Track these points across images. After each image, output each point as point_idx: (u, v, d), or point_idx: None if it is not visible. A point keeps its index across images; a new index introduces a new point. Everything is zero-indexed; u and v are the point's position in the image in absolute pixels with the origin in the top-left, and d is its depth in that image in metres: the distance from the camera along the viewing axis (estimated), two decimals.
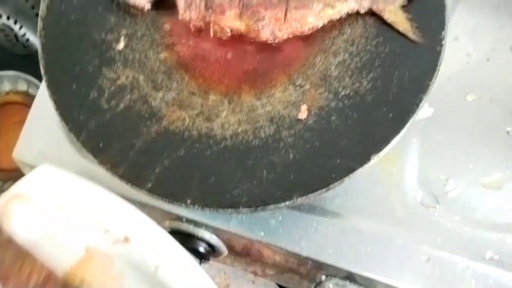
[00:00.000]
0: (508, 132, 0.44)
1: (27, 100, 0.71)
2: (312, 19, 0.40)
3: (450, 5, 0.47)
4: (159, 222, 0.41)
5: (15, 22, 0.66)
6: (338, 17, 0.41)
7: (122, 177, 0.39)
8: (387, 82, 0.39)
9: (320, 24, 0.41)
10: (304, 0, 0.40)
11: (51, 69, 0.42)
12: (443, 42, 0.38)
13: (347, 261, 0.42)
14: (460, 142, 0.44)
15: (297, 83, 0.41)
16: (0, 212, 0.39)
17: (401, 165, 0.44)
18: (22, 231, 0.40)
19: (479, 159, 0.44)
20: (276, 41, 0.41)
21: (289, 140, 0.39)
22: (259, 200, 0.37)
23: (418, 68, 0.38)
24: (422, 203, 0.43)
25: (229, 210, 0.37)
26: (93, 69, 0.42)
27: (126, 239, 0.40)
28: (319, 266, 0.43)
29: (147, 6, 0.43)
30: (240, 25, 0.41)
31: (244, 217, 0.44)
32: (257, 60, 0.42)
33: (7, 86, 0.72)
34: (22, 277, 0.37)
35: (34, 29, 0.70)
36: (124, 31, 0.43)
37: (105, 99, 0.41)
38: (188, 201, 0.37)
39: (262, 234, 0.43)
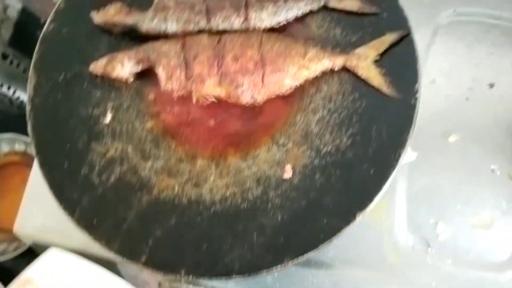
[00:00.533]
0: (493, 170, 0.45)
1: (26, 159, 0.73)
2: (289, 81, 0.42)
3: (425, 48, 0.48)
4: (161, 283, 0.42)
5: (8, 88, 0.68)
6: (313, 76, 0.42)
7: (117, 252, 0.39)
8: (366, 138, 0.40)
9: (297, 84, 0.42)
10: (279, 64, 0.41)
11: (43, 149, 0.43)
12: (417, 96, 0.39)
13: None
14: (446, 183, 0.45)
15: (280, 143, 0.42)
16: None
17: (390, 211, 0.45)
18: None
19: (466, 199, 0.44)
20: (257, 104, 0.42)
21: (276, 201, 0.40)
22: (251, 266, 0.38)
23: (394, 122, 0.39)
24: (414, 248, 0.43)
25: (223, 278, 0.38)
26: (82, 145, 0.43)
27: None
28: None
29: (130, 78, 0.44)
30: (220, 92, 0.42)
31: None
32: (240, 123, 0.43)
33: (5, 148, 0.74)
34: None
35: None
36: (110, 104, 0.45)
37: (96, 174, 0.43)
38: (182, 272, 0.38)
39: None
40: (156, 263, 0.39)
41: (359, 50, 0.41)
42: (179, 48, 0.43)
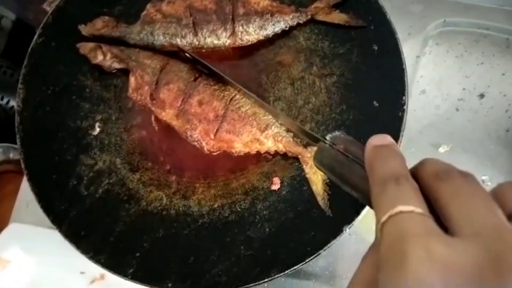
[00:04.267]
0: (483, 181, 0.45)
1: (20, 168, 0.73)
2: (239, 145, 0.41)
3: (415, 59, 0.48)
4: None
5: (2, 98, 0.68)
6: (265, 151, 0.41)
7: (104, 265, 0.39)
8: None
9: (247, 151, 0.41)
10: (236, 127, 0.41)
11: (31, 162, 0.44)
12: (404, 107, 0.39)
13: None
14: None
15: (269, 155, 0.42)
16: None
17: None
18: None
19: None
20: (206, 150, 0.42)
21: (264, 213, 0.40)
22: (238, 279, 0.37)
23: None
24: None
25: None
26: (71, 157, 0.43)
27: (102, 277, 0.45)
28: None
29: (110, 69, 0.45)
30: (175, 124, 0.42)
31: None
32: None
33: (0, 157, 0.74)
34: None
35: None
36: (98, 117, 0.45)
37: (84, 186, 0.43)
38: (169, 285, 0.38)
39: None
40: (143, 276, 0.39)
41: (312, 149, 0.39)
42: (158, 68, 0.43)
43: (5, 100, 0.70)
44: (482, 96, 0.47)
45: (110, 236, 0.41)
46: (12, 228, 0.46)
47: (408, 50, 0.41)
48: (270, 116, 0.41)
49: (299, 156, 0.40)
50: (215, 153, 0.42)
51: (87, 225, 0.41)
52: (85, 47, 0.45)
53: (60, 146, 0.44)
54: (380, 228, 0.20)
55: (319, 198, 0.38)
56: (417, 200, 0.20)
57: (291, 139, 0.40)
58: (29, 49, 0.45)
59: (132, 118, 0.45)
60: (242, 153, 0.41)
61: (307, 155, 0.39)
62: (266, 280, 0.37)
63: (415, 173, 0.22)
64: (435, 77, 0.48)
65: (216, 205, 0.41)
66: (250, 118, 0.41)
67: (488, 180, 0.45)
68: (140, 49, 0.44)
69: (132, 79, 0.44)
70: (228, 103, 0.41)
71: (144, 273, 0.39)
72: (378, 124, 0.40)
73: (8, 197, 0.73)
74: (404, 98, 0.40)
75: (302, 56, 0.44)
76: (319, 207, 0.39)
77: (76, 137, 0.44)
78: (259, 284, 0.37)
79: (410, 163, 0.45)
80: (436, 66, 0.48)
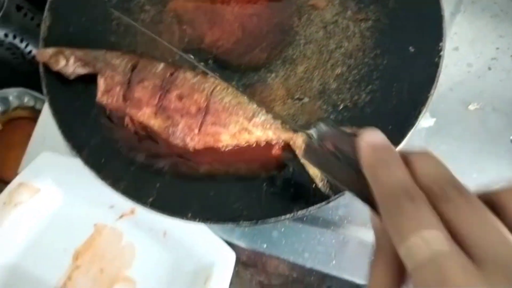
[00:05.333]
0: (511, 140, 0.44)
1: (34, 114, 0.72)
2: (227, 138, 0.39)
3: (449, 16, 0.47)
4: None
5: (21, 41, 0.67)
6: (254, 141, 0.39)
7: (123, 192, 0.39)
8: (386, 95, 0.39)
9: (235, 143, 0.39)
10: (221, 118, 0.38)
11: (53, 87, 0.43)
12: (441, 54, 0.38)
13: (351, 272, 0.42)
14: (463, 151, 0.44)
15: (296, 97, 0.41)
16: (7, 201, 0.41)
17: None
18: (30, 218, 0.43)
19: (482, 169, 0.43)
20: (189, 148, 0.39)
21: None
22: (259, 214, 0.37)
23: (417, 80, 0.38)
24: None
25: (229, 223, 0.37)
26: (94, 86, 0.43)
27: (132, 211, 0.44)
28: (323, 277, 0.43)
29: (72, 76, 0.42)
30: (154, 124, 0.40)
31: (247, 229, 0.44)
32: None
33: (14, 103, 0.73)
34: None
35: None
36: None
37: (107, 116, 0.42)
38: (189, 215, 0.38)
39: (265, 246, 0.43)
40: (163, 206, 0.38)
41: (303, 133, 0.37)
42: (129, 67, 0.40)
43: (24, 43, 0.69)
44: None
45: (131, 165, 0.40)
46: (44, 156, 0.45)
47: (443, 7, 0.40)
48: (255, 105, 0.39)
49: (290, 142, 0.37)
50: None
51: (108, 154, 0.40)
52: (43, 54, 0.42)
53: None
54: (405, 254, 0.19)
55: (317, 181, 0.36)
56: (437, 222, 0.19)
57: (279, 125, 0.38)
58: None
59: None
60: (230, 147, 0.39)
61: (299, 139, 0.36)
62: (288, 216, 0.37)
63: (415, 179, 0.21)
64: (468, 35, 0.47)
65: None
66: (236, 108, 0.38)
67: None
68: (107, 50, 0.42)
69: (101, 82, 0.41)
70: (209, 94, 0.39)
71: (163, 203, 0.38)
72: (413, 69, 0.39)
73: (19, 144, 0.73)
74: (441, 44, 0.39)
75: (336, 0, 0.43)
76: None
77: None
78: (280, 220, 0.37)
79: (440, 120, 0.45)
80: (470, 24, 0.47)
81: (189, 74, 0.40)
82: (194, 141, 0.39)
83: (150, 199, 0.39)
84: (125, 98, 0.40)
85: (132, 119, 0.40)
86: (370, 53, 0.41)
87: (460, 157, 0.43)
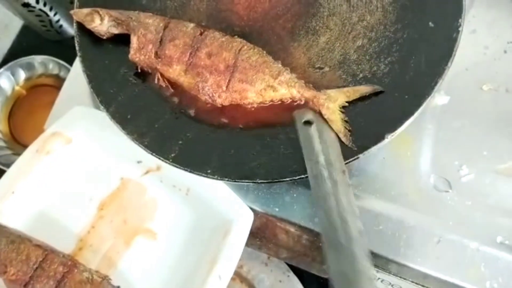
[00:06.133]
0: None
1: (58, 82, 0.75)
2: (253, 95, 0.40)
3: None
4: None
5: (51, 9, 0.70)
6: (279, 99, 0.41)
7: (147, 147, 0.41)
8: (404, 66, 0.40)
9: (260, 101, 0.41)
10: (248, 75, 0.40)
11: (85, 46, 0.45)
12: (460, 29, 0.39)
13: None
14: (475, 129, 0.45)
15: (316, 66, 0.43)
16: (40, 149, 0.43)
17: (416, 150, 0.45)
18: (61, 167, 0.46)
19: (493, 147, 0.44)
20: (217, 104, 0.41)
21: None
22: (276, 173, 0.38)
23: (435, 53, 0.40)
24: (435, 187, 0.44)
25: (247, 181, 0.39)
26: (124, 46, 0.45)
27: (158, 168, 0.46)
28: None
29: (106, 36, 0.44)
30: (184, 81, 0.42)
31: (260, 193, 0.45)
32: None
33: (39, 70, 0.76)
34: (22, 260, 0.40)
35: (67, 15, 0.73)
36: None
37: (135, 74, 0.44)
38: (208, 171, 0.39)
39: (277, 209, 0.45)
40: (184, 161, 0.40)
41: (331, 92, 0.40)
42: (161, 26, 0.42)
43: (53, 12, 0.71)
44: None
45: (155, 122, 0.42)
46: (77, 109, 0.47)
47: None
48: (280, 64, 0.41)
49: (314, 100, 0.39)
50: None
51: (134, 110, 0.42)
52: (79, 13, 0.43)
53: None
54: None
55: (341, 135, 0.38)
56: None
57: (303, 84, 0.40)
58: None
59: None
60: (255, 104, 0.41)
61: (323, 96, 0.39)
62: (302, 176, 0.38)
63: None
64: (487, 18, 0.48)
65: None
66: (262, 66, 0.40)
67: None
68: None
69: (134, 39, 0.42)
70: (237, 53, 0.41)
71: (185, 158, 0.40)
72: (431, 43, 0.40)
73: (43, 108, 0.75)
74: (460, 20, 0.40)
75: None
76: (364, 116, 0.39)
77: None
78: (295, 179, 0.38)
79: (454, 98, 0.46)
80: (489, 8, 0.48)
81: (217, 34, 0.42)
82: (221, 98, 0.41)
83: (173, 155, 0.40)
84: (156, 55, 0.42)
85: (162, 76, 0.42)
86: (391, 27, 0.42)
87: (471, 135, 0.45)
